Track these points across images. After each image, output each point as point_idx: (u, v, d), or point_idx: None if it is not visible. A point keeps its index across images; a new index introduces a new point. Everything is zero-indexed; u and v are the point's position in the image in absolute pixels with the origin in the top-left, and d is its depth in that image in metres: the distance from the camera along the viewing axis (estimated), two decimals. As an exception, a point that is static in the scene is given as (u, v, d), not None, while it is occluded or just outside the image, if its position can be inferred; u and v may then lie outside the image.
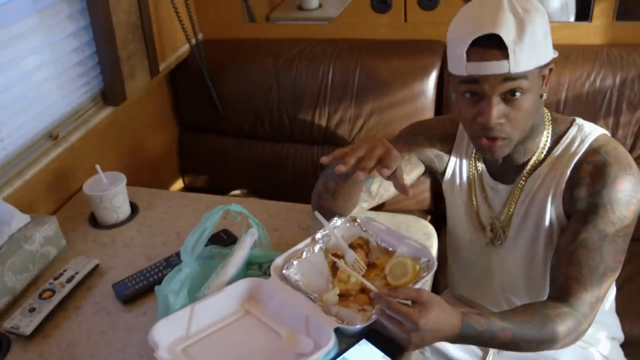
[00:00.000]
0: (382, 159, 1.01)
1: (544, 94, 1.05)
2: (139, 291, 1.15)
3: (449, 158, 1.24)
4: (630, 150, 1.62)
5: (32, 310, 1.11)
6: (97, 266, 1.24)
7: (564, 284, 1.03)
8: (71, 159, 1.44)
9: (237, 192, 1.92)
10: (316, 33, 1.92)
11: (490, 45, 0.95)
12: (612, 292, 1.29)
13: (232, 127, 1.94)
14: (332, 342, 0.96)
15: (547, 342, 1.00)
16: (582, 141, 1.08)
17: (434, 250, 1.24)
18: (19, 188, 1.29)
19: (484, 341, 0.97)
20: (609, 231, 1.02)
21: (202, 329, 1.05)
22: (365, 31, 1.85)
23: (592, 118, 1.57)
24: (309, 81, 1.81)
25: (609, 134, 1.10)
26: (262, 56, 1.87)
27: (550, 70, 1.05)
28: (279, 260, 1.15)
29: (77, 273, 1.19)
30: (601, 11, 1.66)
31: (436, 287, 1.53)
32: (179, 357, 0.99)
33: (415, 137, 1.26)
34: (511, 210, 1.16)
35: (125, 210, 1.40)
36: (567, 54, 1.66)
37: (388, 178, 1.04)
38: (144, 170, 1.81)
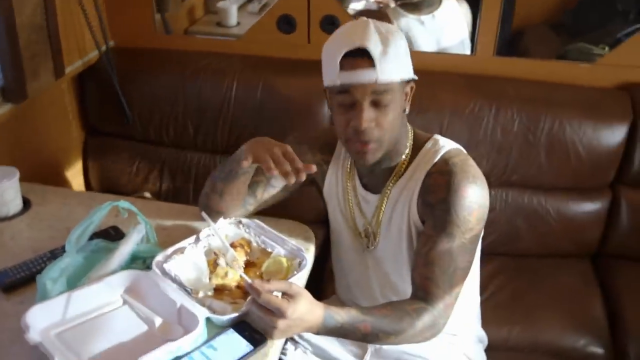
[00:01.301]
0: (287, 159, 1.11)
1: (407, 109, 1.19)
2: (20, 280, 1.18)
3: (328, 168, 1.35)
4: (503, 173, 1.79)
5: None
6: (-19, 258, 1.26)
7: (421, 282, 1.15)
8: None
9: (139, 194, 1.96)
10: (226, 48, 2.01)
11: (361, 56, 1.08)
12: (476, 298, 1.42)
13: (138, 132, 1.99)
14: (199, 328, 1.03)
15: (405, 334, 1.10)
16: (435, 152, 1.20)
17: (311, 253, 1.34)
18: None
19: (346, 332, 1.06)
20: (455, 234, 1.13)
21: (78, 316, 1.09)
22: (271, 49, 1.96)
23: (473, 142, 1.75)
24: (213, 93, 1.89)
25: (462, 149, 1.23)
26: (171, 66, 1.95)
27: (412, 88, 1.19)
28: (160, 256, 1.21)
29: (-43, 262, 1.21)
30: (483, 46, 1.85)
31: (324, 294, 1.63)
32: (51, 340, 1.03)
33: (299, 145, 1.35)
34: (379, 217, 1.28)
35: (17, 205, 1.42)
36: (452, 81, 1.83)
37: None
38: (45, 168, 1.82)
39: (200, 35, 2.16)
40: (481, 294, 1.67)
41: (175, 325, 1.08)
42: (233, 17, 2.22)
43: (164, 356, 0.99)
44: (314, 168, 1.14)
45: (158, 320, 1.09)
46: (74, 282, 1.15)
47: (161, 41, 2.06)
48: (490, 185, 1.78)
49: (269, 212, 1.39)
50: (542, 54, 1.95)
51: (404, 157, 1.23)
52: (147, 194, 1.98)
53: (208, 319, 1.07)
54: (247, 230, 1.32)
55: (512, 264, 1.83)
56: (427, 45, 2.01)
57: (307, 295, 1.02)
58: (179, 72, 1.93)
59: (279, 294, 1.02)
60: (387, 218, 1.26)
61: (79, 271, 1.17)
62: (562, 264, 1.84)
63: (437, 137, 1.24)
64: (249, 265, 1.25)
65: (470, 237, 1.15)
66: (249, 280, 1.02)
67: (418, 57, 1.87)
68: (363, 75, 1.08)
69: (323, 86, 1.17)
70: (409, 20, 2.00)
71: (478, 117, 1.76)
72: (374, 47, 1.08)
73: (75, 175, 2.04)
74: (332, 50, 1.11)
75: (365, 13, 2.10)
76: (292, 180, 1.10)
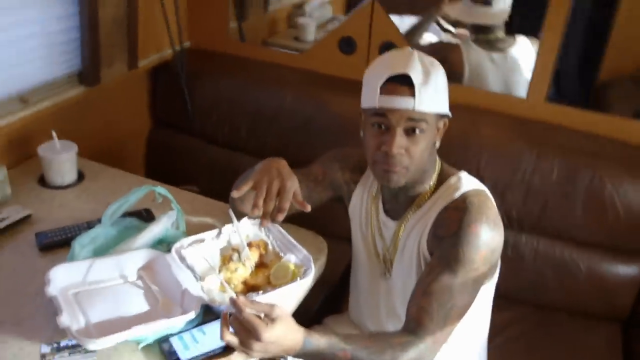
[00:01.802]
0: (279, 194, 1.17)
1: (437, 143, 1.23)
2: (55, 242, 1.32)
3: (355, 188, 1.40)
4: (537, 220, 1.78)
5: (-42, 238, 1.28)
6: (29, 216, 1.41)
7: (415, 313, 1.15)
8: (39, 124, 1.62)
9: (188, 187, 2.10)
10: (290, 61, 2.13)
11: (401, 82, 1.11)
12: (482, 341, 1.42)
13: (197, 129, 2.13)
14: (193, 313, 1.12)
15: None
16: (456, 189, 1.22)
17: (320, 263, 1.41)
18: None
19: (325, 357, 1.07)
20: (459, 271, 1.13)
21: (97, 282, 1.21)
22: (330, 67, 2.05)
23: (509, 184, 1.76)
24: (268, 101, 2.00)
25: (485, 191, 1.24)
26: (236, 72, 2.08)
27: (445, 124, 1.23)
28: (182, 242, 1.32)
29: (8, 217, 1.37)
30: (535, 91, 1.85)
31: (337, 310, 1.68)
32: (67, 298, 1.16)
33: (331, 162, 1.43)
34: (396, 244, 1.31)
35: (71, 177, 1.58)
36: (498, 121, 1.84)
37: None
38: (110, 149, 1.99)
39: (276, 48, 2.29)
40: (494, 339, 1.67)
41: (176, 306, 1.18)
42: (311, 33, 2.35)
43: (156, 330, 1.09)
44: (308, 208, 1.19)
45: (162, 298, 1.20)
46: (102, 251, 1.28)
47: (233, 47, 2.19)
48: (522, 230, 1.82)
49: (306, 221, 1.45)
50: (621, 109, 1.90)
51: (427, 188, 1.26)
52: (195, 188, 2.11)
53: (207, 306, 1.17)
54: (267, 233, 1.40)
55: (534, 315, 1.80)
56: (495, 82, 2.03)
57: (288, 319, 1.03)
58: (242, 78, 2.05)
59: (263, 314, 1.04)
60: (402, 246, 1.30)
61: (108, 242, 1.30)
62: (588, 324, 1.78)
63: (463, 174, 1.26)
64: (261, 265, 1.33)
65: (473, 277, 1.15)
66: (234, 296, 1.07)
67: (468, 93, 1.94)
68: (402, 102, 1.12)
69: (360, 108, 1.23)
70: (480, 56, 2.03)
71: (518, 159, 1.76)
72: (416, 75, 1.12)
73: (136, 160, 2.21)
74: (375, 73, 1.16)
75: (438, 45, 2.15)
76: (265, 223, 1.15)
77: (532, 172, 1.75)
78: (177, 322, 1.11)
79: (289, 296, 1.27)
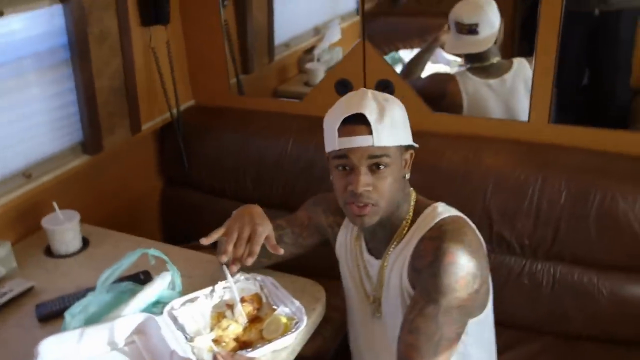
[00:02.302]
0: (250, 239, 1.25)
1: (407, 175, 1.23)
2: (54, 313, 1.35)
3: (339, 231, 1.40)
4: (551, 246, 1.70)
5: (-36, 316, 1.33)
6: (31, 288, 1.45)
7: (404, 351, 1.13)
8: (44, 196, 1.68)
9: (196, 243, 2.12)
10: (291, 109, 2.15)
11: (357, 122, 1.14)
12: None
13: (204, 185, 2.17)
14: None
15: None
16: (432, 218, 1.21)
17: (318, 312, 1.38)
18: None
19: None
20: (441, 301, 1.11)
21: (89, 350, 1.23)
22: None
23: (518, 212, 1.70)
24: (270, 150, 2.02)
25: (463, 218, 1.22)
26: (237, 124, 2.12)
27: (412, 155, 1.23)
28: (174, 303, 1.33)
29: (11, 290, 1.41)
30: (537, 112, 1.80)
31: (347, 356, 1.64)
32: (58, 370, 1.18)
33: (315, 207, 1.45)
34: (382, 283, 1.30)
35: (75, 245, 1.63)
36: (499, 148, 1.80)
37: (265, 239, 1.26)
38: (122, 213, 2.04)
39: (281, 98, 2.32)
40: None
41: (165, 369, 1.18)
42: (319, 77, 2.37)
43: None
44: (281, 251, 1.26)
45: (152, 362, 1.20)
46: (95, 319, 1.29)
47: (236, 101, 2.24)
48: (536, 258, 1.75)
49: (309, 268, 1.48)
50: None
51: (404, 222, 1.25)
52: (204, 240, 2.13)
53: (195, 368, 1.16)
54: (261, 286, 1.39)
55: (557, 347, 1.71)
56: (496, 109, 2.00)
57: None
58: (243, 130, 2.09)
59: None
60: (387, 284, 1.28)
61: (102, 309, 1.32)
62: (618, 352, 1.67)
63: (439, 204, 1.26)
64: (255, 320, 1.32)
65: (457, 305, 1.12)
66: (216, 350, 1.08)
67: (468, 122, 1.91)
68: (360, 140, 1.14)
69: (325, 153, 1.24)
70: (477, 84, 2.01)
71: (523, 185, 1.70)
72: (370, 113, 1.14)
73: (152, 221, 2.26)
74: (332, 117, 1.19)
75: (434, 77, 2.14)
76: (233, 269, 1.24)
77: (540, 197, 1.69)
78: (163, 388, 1.10)
79: (282, 349, 1.25)
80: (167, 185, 2.29)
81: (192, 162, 2.17)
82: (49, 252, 1.63)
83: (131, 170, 2.11)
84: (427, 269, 1.14)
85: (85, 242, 1.66)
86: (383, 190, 1.17)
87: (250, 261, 1.21)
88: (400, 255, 1.24)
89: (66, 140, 1.79)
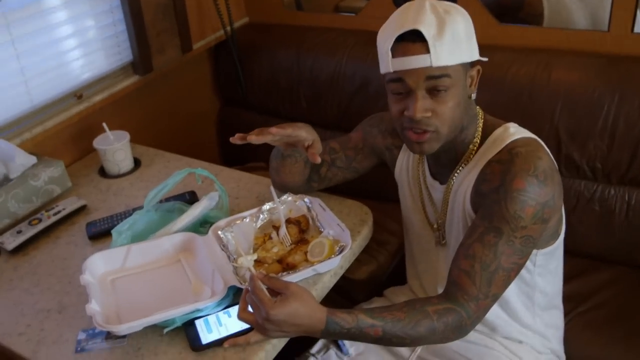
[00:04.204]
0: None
1: (473, 94, 1.11)
2: (104, 231, 1.37)
3: (399, 153, 1.31)
4: (626, 170, 1.56)
5: (19, 232, 1.37)
6: (84, 206, 1.48)
7: (457, 276, 1.06)
8: (97, 118, 1.68)
9: (254, 164, 2.10)
10: (346, 24, 2.03)
11: (413, 40, 1.00)
12: (556, 305, 1.29)
13: (258, 105, 2.12)
14: (218, 295, 1.10)
15: (422, 338, 1.03)
16: (502, 140, 1.10)
17: (363, 235, 1.33)
18: (38, 136, 1.56)
19: (354, 336, 1.01)
20: (504, 229, 1.03)
21: (134, 267, 1.24)
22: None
23: (590, 133, 1.56)
24: (324, 67, 1.93)
25: (537, 140, 1.10)
26: (291, 41, 2.03)
27: (479, 72, 1.10)
28: (221, 222, 1.31)
29: (64, 209, 1.44)
30: (618, 20, 1.60)
31: (402, 280, 1.60)
32: (105, 285, 1.19)
33: (371, 127, 1.36)
34: (446, 209, 1.21)
35: (127, 164, 1.63)
36: (573, 61, 1.63)
37: (307, 149, 1.22)
38: (177, 137, 2.04)
39: (345, 13, 2.19)
40: (579, 305, 1.52)
41: (206, 288, 1.17)
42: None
43: (182, 314, 1.09)
44: (318, 159, 1.20)
45: (194, 281, 1.20)
46: (142, 236, 1.29)
47: (291, 17, 2.14)
48: (610, 183, 1.61)
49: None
50: None
51: (471, 145, 1.14)
52: (264, 164, 2.11)
53: (237, 287, 1.14)
54: (309, 207, 1.35)
55: (629, 277, 1.59)
56: (581, 19, 1.79)
57: (304, 297, 0.98)
58: (296, 47, 2.00)
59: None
60: (450, 209, 1.20)
61: (149, 227, 1.32)
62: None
63: (511, 124, 1.14)
64: (301, 242, 1.29)
65: (521, 236, 1.03)
66: (253, 272, 1.04)
67: (537, 34, 1.73)
68: (416, 61, 1.01)
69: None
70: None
71: (597, 103, 1.54)
72: (427, 28, 1.00)
73: (210, 142, 2.25)
74: (385, 35, 1.06)
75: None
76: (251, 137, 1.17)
77: (616, 116, 1.53)
78: (200, 306, 1.10)
79: (325, 273, 1.22)
80: (223, 106, 2.26)
81: (248, 82, 2.12)
82: (102, 172, 1.64)
83: (185, 91, 2.08)
84: (492, 194, 1.05)
85: (137, 163, 1.67)
86: (444, 116, 1.05)
87: (269, 136, 1.17)
88: (465, 179, 1.15)
89: (116, 60, 1.77)
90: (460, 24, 1.03)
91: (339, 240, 1.23)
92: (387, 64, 1.05)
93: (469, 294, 1.04)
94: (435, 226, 1.27)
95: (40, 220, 1.40)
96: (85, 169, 1.67)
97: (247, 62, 2.09)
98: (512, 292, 1.18)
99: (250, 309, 1.01)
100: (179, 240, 1.28)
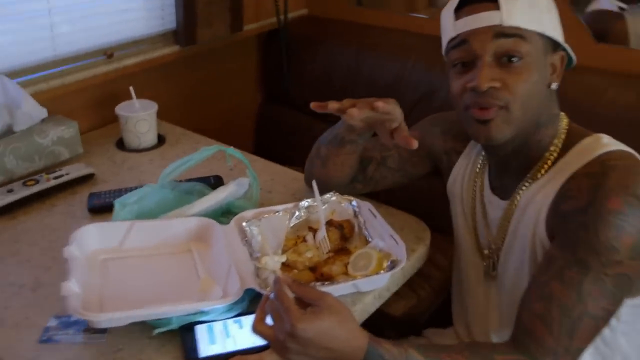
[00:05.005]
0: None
1: (554, 84, 0.88)
2: (107, 204, 1.14)
3: (457, 160, 1.08)
4: None
5: (10, 191, 1.15)
6: (92, 176, 1.26)
7: (529, 322, 0.82)
8: (126, 84, 1.47)
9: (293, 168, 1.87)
10: (416, 27, 1.81)
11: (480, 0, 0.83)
12: None
13: (304, 103, 1.89)
14: (231, 298, 0.86)
15: None
16: (591, 150, 0.85)
17: (419, 255, 1.08)
18: (56, 90, 1.36)
19: None
20: (591, 263, 0.78)
21: (134, 249, 1.00)
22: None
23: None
24: (385, 70, 1.71)
25: (637, 156, 0.85)
26: (349, 39, 1.82)
27: (562, 59, 0.88)
28: (247, 213, 1.08)
29: (67, 174, 1.22)
30: None
31: (445, 322, 1.33)
32: (94, 263, 0.96)
33: (432, 127, 1.13)
34: (505, 230, 0.96)
35: (150, 139, 1.42)
36: None
37: (392, 132, 0.98)
38: (211, 121, 1.81)
39: (414, 14, 1.98)
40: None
41: (217, 287, 0.93)
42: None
43: (181, 314, 0.85)
44: (415, 144, 0.94)
45: (204, 277, 0.95)
46: (150, 214, 1.06)
47: (354, 13, 1.94)
48: None
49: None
50: None
51: (547, 153, 0.90)
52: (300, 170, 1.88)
53: (258, 293, 0.89)
54: (356, 211, 1.11)
55: None
56: None
57: (345, 316, 0.73)
58: (356, 46, 1.78)
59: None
60: (512, 231, 0.95)
61: (161, 205, 1.09)
62: None
63: (604, 135, 0.89)
64: (341, 251, 1.05)
65: (614, 274, 0.78)
66: (279, 275, 0.81)
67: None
68: (482, 19, 0.83)
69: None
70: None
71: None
72: None
73: (245, 136, 2.02)
74: (451, 2, 0.88)
75: (601, 13, 1.73)
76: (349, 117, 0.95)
77: None
78: (209, 306, 0.85)
79: (369, 292, 0.96)
80: (265, 100, 2.05)
81: (296, 78, 1.91)
82: (121, 144, 1.43)
83: (228, 76, 1.86)
84: (578, 215, 0.80)
85: (161, 140, 1.45)
86: (517, 90, 0.83)
87: (381, 105, 0.93)
88: (538, 195, 0.89)
89: (158, 24, 1.57)
90: None
91: (390, 254, 0.98)
92: (450, 29, 0.86)
93: (544, 346, 0.79)
94: (486, 252, 1.01)
95: (37, 182, 1.18)
96: (103, 138, 1.45)
97: (299, 56, 1.89)
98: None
99: (269, 320, 0.76)
100: (194, 225, 1.04)
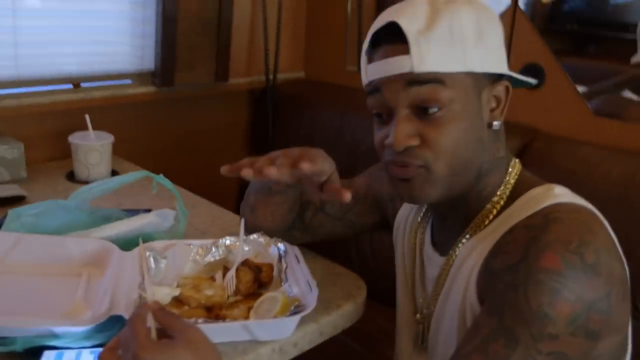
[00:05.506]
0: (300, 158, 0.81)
1: (496, 123, 0.74)
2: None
3: (401, 206, 0.95)
4: None
5: None
6: (22, 198, 1.19)
7: None
8: (96, 116, 1.42)
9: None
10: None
11: (393, 40, 0.71)
12: None
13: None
14: (88, 322, 0.74)
15: None
16: (538, 202, 0.71)
17: (342, 312, 0.92)
18: (11, 109, 1.31)
19: None
20: (521, 335, 0.62)
21: (16, 265, 0.90)
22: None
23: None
24: (367, 135, 1.62)
25: (597, 213, 0.70)
26: (335, 101, 1.77)
27: (507, 90, 0.75)
28: (159, 243, 0.97)
29: (-7, 193, 1.15)
30: None
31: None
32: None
33: (379, 172, 1.00)
34: (438, 292, 0.81)
35: (100, 172, 1.35)
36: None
37: (321, 185, 0.84)
38: (185, 171, 1.73)
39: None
40: None
41: (90, 312, 0.80)
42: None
43: (24, 333, 0.72)
44: (347, 197, 0.79)
45: (79, 300, 0.83)
46: (55, 232, 0.97)
47: (348, 77, 1.89)
48: None
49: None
50: None
51: (489, 205, 0.76)
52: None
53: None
54: (282, 256, 0.98)
55: None
56: None
57: (202, 352, 0.59)
58: (342, 109, 1.72)
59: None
60: (445, 293, 0.79)
61: (65, 225, 0.99)
62: None
63: (556, 185, 0.74)
64: (253, 296, 0.91)
65: (548, 352, 0.61)
66: (149, 299, 0.67)
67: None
68: (392, 65, 0.70)
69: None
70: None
71: None
72: (411, 22, 0.70)
73: (228, 191, 1.92)
74: (366, 39, 0.76)
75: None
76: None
77: None
78: (61, 328, 0.73)
79: (266, 342, 0.82)
80: (252, 153, 1.98)
81: (280, 137, 1.86)
82: (71, 175, 1.36)
83: (215, 127, 1.80)
84: (507, 274, 0.65)
85: (115, 175, 1.37)
86: (438, 145, 0.70)
87: (307, 165, 0.78)
88: (474, 251, 0.74)
89: (136, 63, 1.55)
90: (465, 17, 0.70)
91: (298, 300, 0.84)
92: (363, 72, 0.76)
93: None
94: (418, 317, 0.86)
95: (-45, 195, 1.11)
96: (57, 168, 1.39)
97: (287, 116, 1.84)
98: None
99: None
100: (91, 248, 0.94)
